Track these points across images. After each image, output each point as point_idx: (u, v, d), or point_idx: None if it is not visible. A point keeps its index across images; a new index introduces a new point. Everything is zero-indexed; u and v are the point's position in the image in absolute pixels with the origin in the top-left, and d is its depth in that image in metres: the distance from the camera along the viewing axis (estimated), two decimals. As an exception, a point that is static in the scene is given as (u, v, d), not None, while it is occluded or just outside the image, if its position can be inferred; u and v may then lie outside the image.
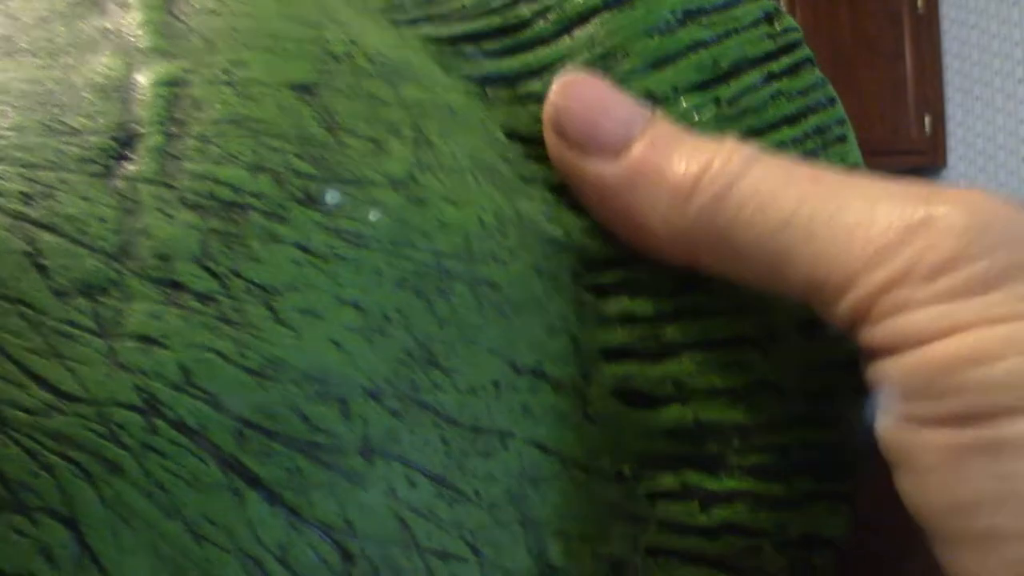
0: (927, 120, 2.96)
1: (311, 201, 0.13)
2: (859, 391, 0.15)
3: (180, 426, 0.11)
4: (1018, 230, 0.14)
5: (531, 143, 0.16)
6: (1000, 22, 2.81)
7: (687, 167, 0.15)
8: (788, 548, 0.15)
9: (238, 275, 0.12)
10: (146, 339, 0.11)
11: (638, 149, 0.15)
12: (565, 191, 0.16)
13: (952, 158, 2.99)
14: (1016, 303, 0.13)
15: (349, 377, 0.12)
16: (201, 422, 0.11)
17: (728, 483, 0.15)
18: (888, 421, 0.14)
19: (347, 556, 0.12)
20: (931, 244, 0.13)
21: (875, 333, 0.14)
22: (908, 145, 2.96)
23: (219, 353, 0.12)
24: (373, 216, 0.13)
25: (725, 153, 0.15)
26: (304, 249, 0.12)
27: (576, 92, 0.16)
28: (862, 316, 0.14)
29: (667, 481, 0.14)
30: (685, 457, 0.15)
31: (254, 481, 0.11)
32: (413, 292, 0.13)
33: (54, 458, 0.11)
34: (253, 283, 0.12)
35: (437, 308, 0.13)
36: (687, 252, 0.15)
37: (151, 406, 0.11)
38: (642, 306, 0.15)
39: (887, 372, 0.14)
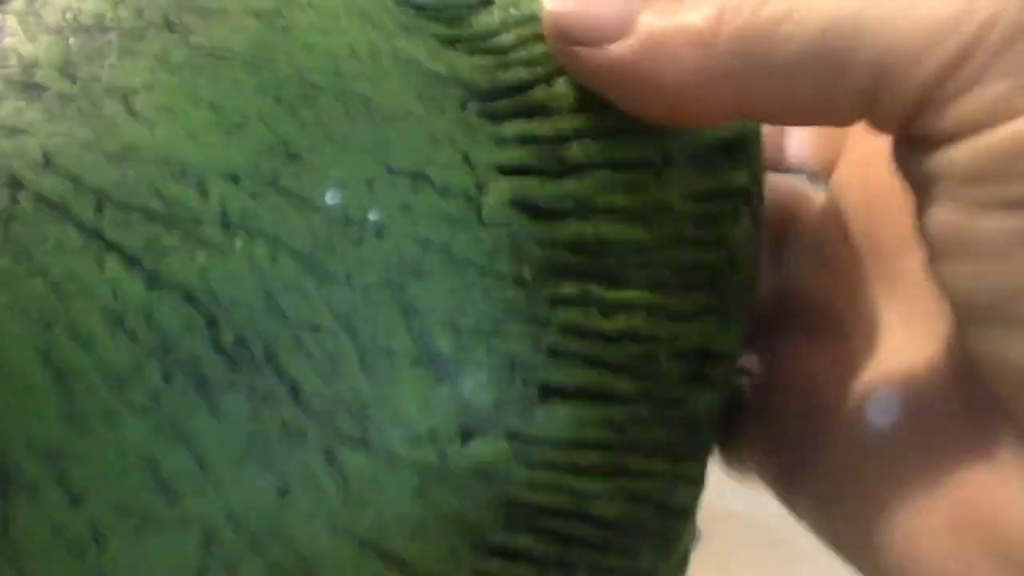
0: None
1: (169, 27, 0.14)
2: (737, 217, 0.16)
3: (42, 199, 0.13)
4: None
5: (421, 8, 0.16)
6: None
7: (703, 10, 0.14)
8: (682, 358, 0.15)
9: (96, 80, 0.14)
10: (11, 129, 0.13)
11: (646, 18, 0.15)
12: (456, 43, 0.16)
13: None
14: None
15: (204, 163, 0.13)
16: (62, 197, 0.13)
17: (627, 294, 0.15)
18: (945, 210, 0.13)
19: (212, 321, 0.13)
20: (1002, 6, 0.13)
21: (941, 118, 0.13)
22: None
23: (78, 140, 0.13)
24: (234, 43, 0.14)
25: None
26: (160, 60, 0.14)
27: None
28: (927, 100, 0.13)
29: (568, 289, 0.15)
30: (586, 269, 0.15)
31: (113, 246, 0.13)
32: (273, 99, 0.14)
33: None
34: (111, 86, 0.14)
35: (299, 113, 0.14)
36: (728, 98, 0.14)
37: (15, 183, 0.13)
38: (541, 127, 0.16)
39: (950, 159, 0.13)
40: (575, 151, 0.15)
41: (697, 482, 0.16)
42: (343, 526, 0.13)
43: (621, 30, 0.15)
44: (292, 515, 0.13)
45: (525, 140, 0.15)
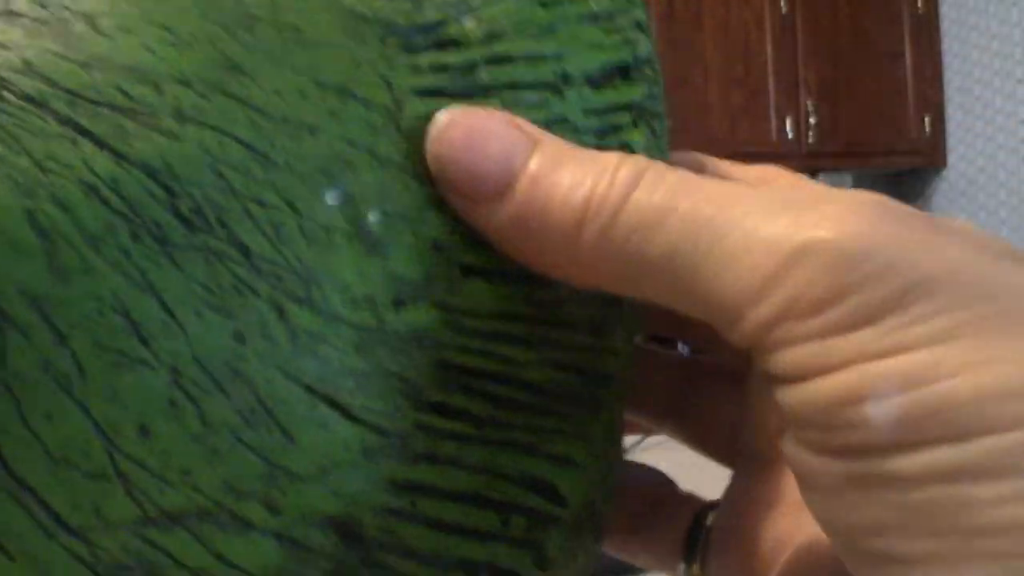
0: (927, 120, 2.96)
1: None
2: (636, 126, 0.18)
3: (24, 96, 0.15)
4: (893, 255, 0.13)
5: None
6: (1000, 22, 2.81)
7: (571, 200, 0.15)
8: None
9: (65, 7, 0.16)
10: None
11: (521, 188, 0.16)
12: None
13: (952, 158, 2.99)
14: (892, 335, 0.13)
15: (160, 70, 0.16)
16: (41, 94, 0.15)
17: None
18: (789, 443, 0.15)
19: (171, 192, 0.15)
20: (808, 279, 0.14)
21: (768, 362, 0.14)
22: (908, 145, 2.96)
23: (52, 52, 0.16)
24: None
25: (606, 178, 0.15)
26: None
27: (450, 138, 0.16)
28: (754, 346, 0.14)
29: None
30: None
31: (85, 132, 0.15)
32: (218, 25, 0.16)
33: None
34: (77, 11, 0.16)
35: (240, 37, 0.16)
36: (592, 279, 0.16)
37: (2, 84, 0.15)
38: (453, 57, 0.17)
39: (783, 399, 0.14)
40: (483, 76, 0.18)
41: (619, 353, 0.17)
42: (294, 373, 0.15)
43: (501, 192, 0.16)
44: (249, 359, 0.15)
45: (438, 68, 0.17)
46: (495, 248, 0.17)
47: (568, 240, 0.15)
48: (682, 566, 0.20)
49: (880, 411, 0.13)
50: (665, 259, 0.15)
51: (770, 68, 2.85)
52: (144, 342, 0.14)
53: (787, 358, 0.14)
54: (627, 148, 0.18)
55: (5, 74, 0.15)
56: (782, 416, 0.15)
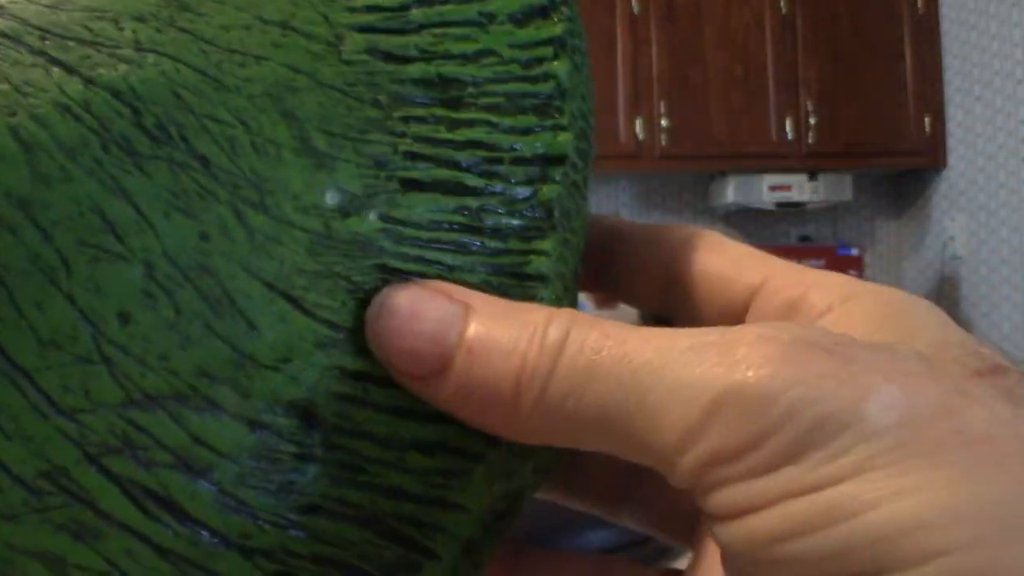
0: (927, 120, 2.97)
1: None
2: (559, 58, 0.20)
3: (0, 34, 0.17)
4: (801, 394, 0.14)
5: None
6: (1000, 22, 2.82)
7: (505, 371, 0.16)
8: (523, 162, 0.19)
9: None
10: None
11: (458, 364, 0.16)
12: None
13: (952, 158, 3.00)
14: (814, 472, 0.14)
15: (119, 10, 0.18)
16: (14, 31, 0.17)
17: (468, 114, 0.19)
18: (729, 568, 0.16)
19: (135, 110, 0.17)
20: (727, 427, 0.14)
21: (702, 503, 0.15)
22: (908, 145, 2.97)
23: None
24: None
25: (536, 342, 0.16)
26: None
27: (385, 325, 0.17)
28: (690, 488, 0.15)
29: (418, 112, 0.19)
30: (431, 98, 0.19)
31: (56, 61, 0.17)
32: None
33: None
34: None
35: None
36: (536, 437, 0.17)
37: None
38: (387, 0, 0.20)
39: (718, 535, 0.15)
40: (415, 14, 0.20)
41: (550, 254, 0.19)
42: (254, 270, 0.17)
43: (439, 371, 0.16)
44: (213, 255, 0.16)
45: (372, 9, 0.20)
46: (432, 161, 0.18)
47: (508, 408, 0.16)
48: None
49: (804, 547, 0.14)
50: (599, 417, 0.16)
51: (770, 68, 2.86)
52: (120, 239, 0.16)
53: (718, 500, 0.15)
54: (552, 78, 0.20)
55: None
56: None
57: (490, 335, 0.16)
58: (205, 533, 0.16)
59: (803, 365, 0.14)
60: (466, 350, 0.16)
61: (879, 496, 0.13)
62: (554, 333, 0.16)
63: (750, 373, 0.14)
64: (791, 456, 0.14)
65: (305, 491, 0.17)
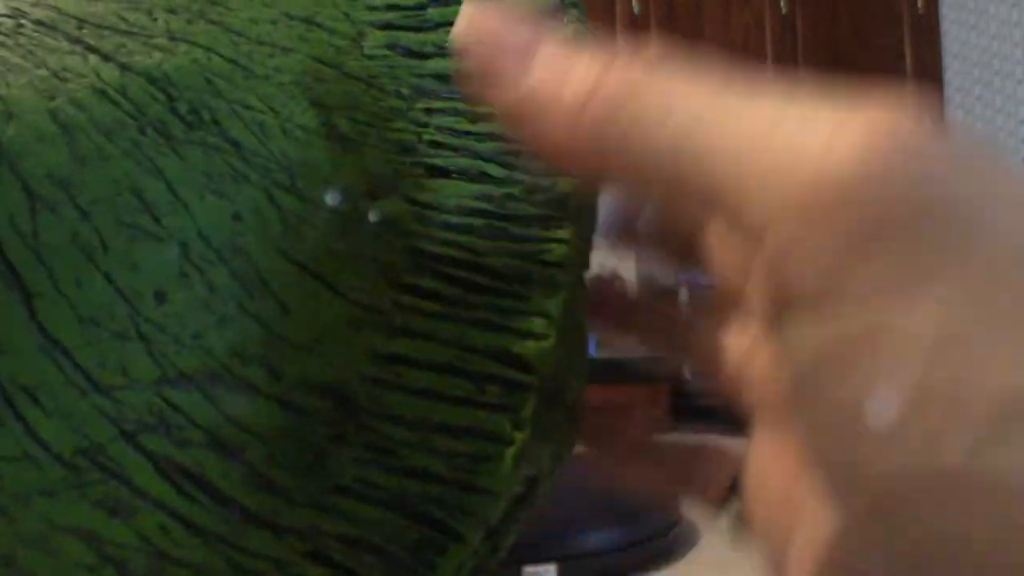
0: (927, 120, 2.97)
1: None
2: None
3: (37, 22, 0.18)
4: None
5: None
6: (1000, 22, 2.82)
7: (581, 83, 0.15)
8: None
9: None
10: None
11: (536, 74, 0.16)
12: None
13: (952, 158, 2.99)
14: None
15: (152, 2, 0.18)
16: (52, 20, 0.18)
17: (488, 109, 0.18)
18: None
19: (170, 96, 0.17)
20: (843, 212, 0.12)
21: (773, 295, 0.13)
22: (908, 145, 2.97)
23: None
24: None
25: (619, 67, 0.15)
26: None
27: (474, 30, 0.16)
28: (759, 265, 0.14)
29: (439, 104, 0.19)
30: (451, 92, 0.19)
31: (93, 49, 0.17)
32: None
33: None
34: None
35: None
36: (590, 165, 0.16)
37: (18, 13, 0.18)
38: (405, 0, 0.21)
39: (781, 334, 0.13)
40: (432, 13, 0.20)
41: (568, 242, 0.19)
42: (285, 250, 0.17)
43: (518, 80, 0.16)
44: (246, 236, 0.17)
45: (392, 7, 0.20)
46: (456, 150, 0.19)
47: (572, 121, 0.15)
48: (725, 514, 0.21)
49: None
50: (668, 152, 0.14)
51: (770, 68, 2.87)
52: (156, 219, 0.16)
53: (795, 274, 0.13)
54: None
55: (19, 5, 0.18)
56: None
57: (571, 52, 0.16)
58: (237, 511, 0.16)
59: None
60: (546, 63, 0.16)
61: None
62: (639, 63, 0.15)
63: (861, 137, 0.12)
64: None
65: (335, 472, 0.17)
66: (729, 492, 0.21)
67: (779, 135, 0.13)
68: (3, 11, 0.18)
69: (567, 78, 0.16)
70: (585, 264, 0.20)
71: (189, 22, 0.18)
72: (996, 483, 0.11)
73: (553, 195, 0.19)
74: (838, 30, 2.90)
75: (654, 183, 0.15)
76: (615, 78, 0.15)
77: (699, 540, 0.66)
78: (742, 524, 0.19)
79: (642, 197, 0.16)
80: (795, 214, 0.12)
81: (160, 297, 0.16)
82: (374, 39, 0.20)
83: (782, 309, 0.13)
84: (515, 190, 0.19)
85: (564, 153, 0.16)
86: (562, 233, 0.19)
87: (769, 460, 0.18)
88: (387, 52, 0.20)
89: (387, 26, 0.20)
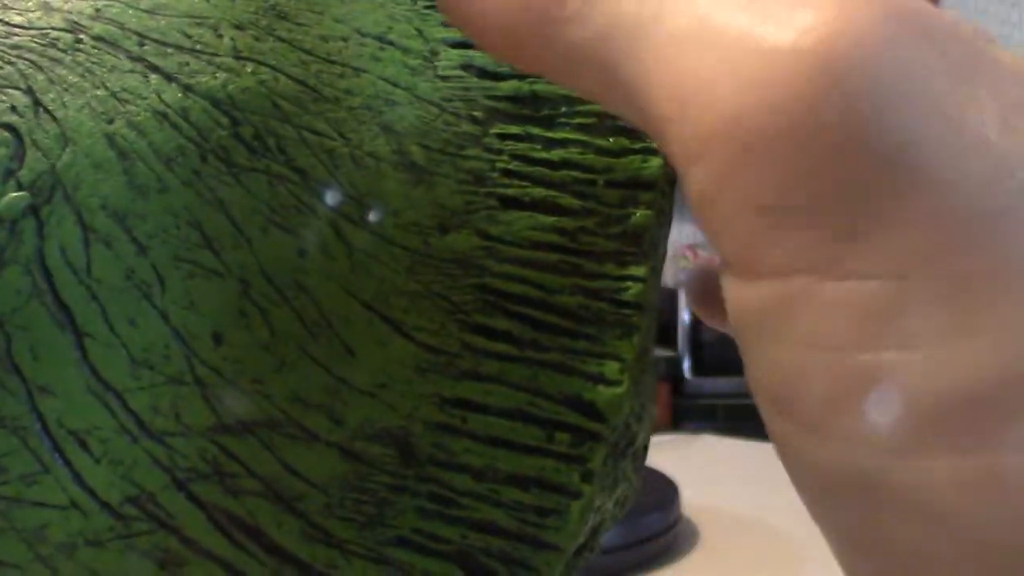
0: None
1: None
2: None
3: (97, 37, 0.16)
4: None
5: None
6: (1000, 23, 2.82)
7: None
8: (617, 185, 0.18)
9: None
10: None
11: None
12: None
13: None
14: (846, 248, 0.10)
15: (218, 16, 0.17)
16: (112, 35, 0.17)
17: (561, 133, 0.19)
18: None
19: (234, 120, 0.16)
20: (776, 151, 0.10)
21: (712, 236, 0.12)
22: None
23: (120, 2, 0.17)
24: None
25: None
26: None
27: None
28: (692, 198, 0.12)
29: (513, 129, 0.19)
30: (526, 116, 0.19)
31: (154, 68, 0.16)
32: None
33: (14, 59, 0.16)
34: None
35: None
36: (518, 55, 0.14)
37: (76, 27, 0.17)
38: None
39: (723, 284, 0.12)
40: None
41: (644, 280, 0.18)
42: (352, 289, 0.16)
43: None
44: (311, 273, 0.16)
45: None
46: (529, 180, 0.18)
47: (503, 16, 0.14)
48: None
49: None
50: (599, 40, 0.12)
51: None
52: (216, 254, 0.15)
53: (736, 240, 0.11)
54: None
55: (79, 20, 0.17)
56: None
57: None
58: (291, 563, 0.16)
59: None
60: None
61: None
62: None
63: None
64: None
65: (394, 523, 0.16)
66: None
67: (707, 37, 0.11)
68: (62, 25, 0.17)
69: None
70: (656, 304, 0.19)
71: (256, 39, 0.17)
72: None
73: (628, 227, 0.18)
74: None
75: (584, 91, 0.13)
76: None
77: (699, 540, 0.66)
78: None
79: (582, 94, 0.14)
80: (715, 149, 0.10)
81: (218, 339, 0.15)
82: (448, 58, 0.19)
83: (721, 259, 0.12)
84: (589, 223, 0.18)
85: (503, 45, 0.14)
86: (637, 270, 0.18)
87: None
88: (461, 72, 0.19)
89: (461, 44, 0.19)
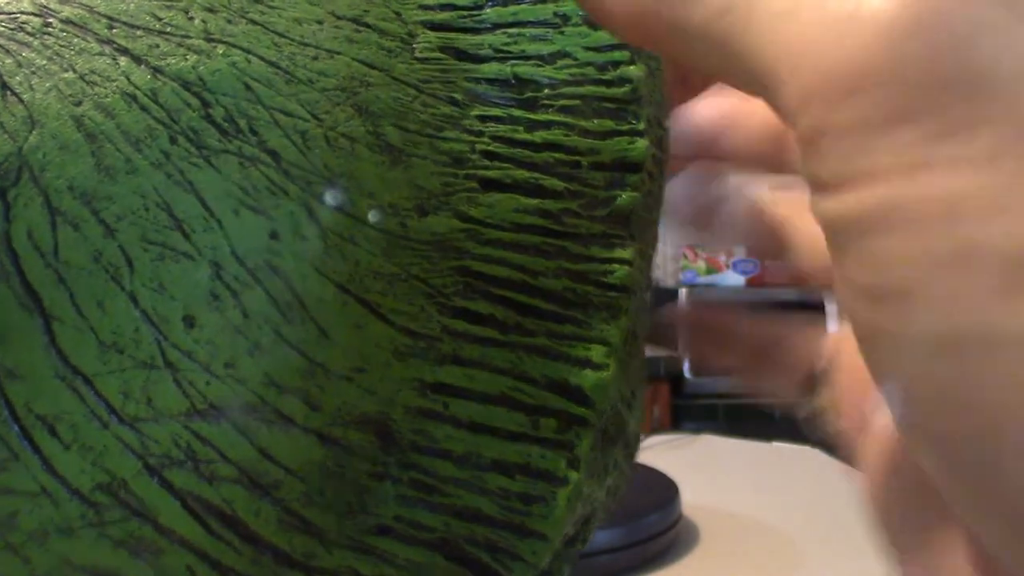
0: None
1: None
2: (634, 62, 0.19)
3: (66, 20, 0.16)
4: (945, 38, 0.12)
5: None
6: None
7: None
8: (602, 167, 0.18)
9: None
10: None
11: None
12: None
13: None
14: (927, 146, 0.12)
15: (189, 0, 0.17)
16: (81, 18, 0.16)
17: (544, 115, 0.18)
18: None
19: (204, 102, 0.16)
20: (853, 47, 0.12)
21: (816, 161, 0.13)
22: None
23: None
24: None
25: None
26: None
27: None
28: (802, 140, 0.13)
29: (494, 111, 0.18)
30: (507, 98, 0.18)
31: (123, 50, 0.16)
32: None
33: None
34: None
35: None
36: (644, 36, 0.15)
37: (44, 12, 0.16)
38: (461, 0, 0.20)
39: (823, 211, 0.13)
40: (489, 13, 0.19)
41: (631, 263, 0.18)
42: (326, 271, 0.16)
43: None
44: (283, 255, 0.15)
45: (446, 7, 0.19)
46: (511, 162, 0.18)
47: None
48: (805, 399, 0.21)
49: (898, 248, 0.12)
50: (717, 17, 0.14)
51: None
52: (186, 236, 0.15)
53: (821, 151, 0.13)
54: (628, 82, 0.19)
55: (47, 2, 0.17)
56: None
57: None
58: (268, 552, 0.15)
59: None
60: None
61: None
62: None
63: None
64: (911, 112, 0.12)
65: (375, 511, 0.16)
66: (809, 382, 0.21)
67: (808, 5, 0.13)
68: (30, 9, 0.16)
69: None
70: (647, 286, 0.19)
71: (228, 21, 0.17)
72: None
73: (614, 209, 0.18)
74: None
75: (702, 58, 0.14)
76: None
77: (699, 540, 0.65)
78: (819, 414, 0.20)
79: (695, 65, 0.15)
80: (820, 98, 0.12)
81: (189, 322, 0.15)
82: (426, 40, 0.18)
83: (813, 191, 0.13)
84: (574, 204, 0.18)
85: (618, 25, 0.15)
86: (624, 253, 0.18)
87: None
88: (440, 55, 0.18)
89: (441, 27, 0.19)
